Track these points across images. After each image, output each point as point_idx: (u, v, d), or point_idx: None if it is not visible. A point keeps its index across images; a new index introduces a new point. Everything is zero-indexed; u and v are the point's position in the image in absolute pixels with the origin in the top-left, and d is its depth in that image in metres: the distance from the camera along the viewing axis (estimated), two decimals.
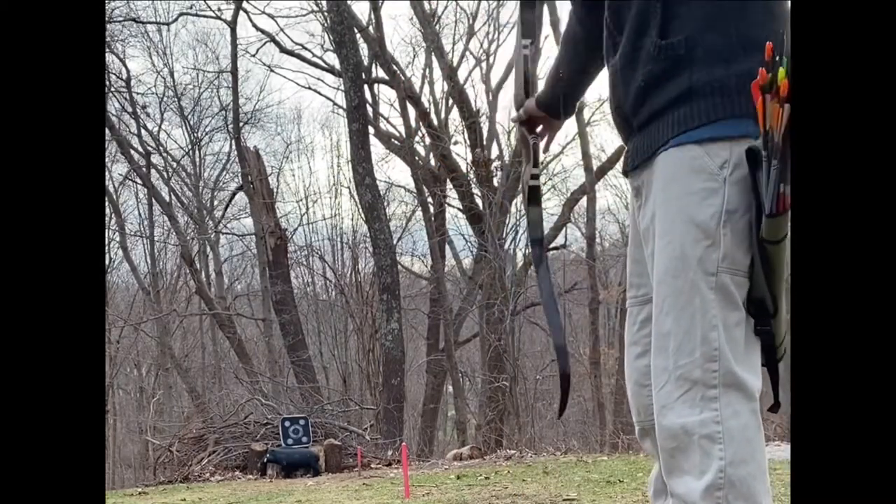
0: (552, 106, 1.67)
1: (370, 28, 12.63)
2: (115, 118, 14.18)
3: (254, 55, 14.64)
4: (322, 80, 15.15)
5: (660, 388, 1.38)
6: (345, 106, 11.42)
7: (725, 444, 1.31)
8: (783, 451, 5.39)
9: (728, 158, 1.33)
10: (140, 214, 16.60)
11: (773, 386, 1.45)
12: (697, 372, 1.33)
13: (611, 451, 7.76)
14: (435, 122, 13.36)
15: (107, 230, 14.22)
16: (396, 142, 14.11)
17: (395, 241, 12.40)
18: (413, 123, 13.67)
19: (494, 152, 13.83)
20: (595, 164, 12.15)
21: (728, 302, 1.34)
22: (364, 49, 12.53)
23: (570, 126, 10.34)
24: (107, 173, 14.31)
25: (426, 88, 13.97)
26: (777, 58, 1.23)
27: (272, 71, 16.97)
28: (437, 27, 13.12)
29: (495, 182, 12.88)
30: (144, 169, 14.52)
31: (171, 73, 16.00)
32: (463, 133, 13.30)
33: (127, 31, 14.62)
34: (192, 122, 16.48)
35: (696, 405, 1.33)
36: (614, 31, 1.47)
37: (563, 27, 1.64)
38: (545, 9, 1.67)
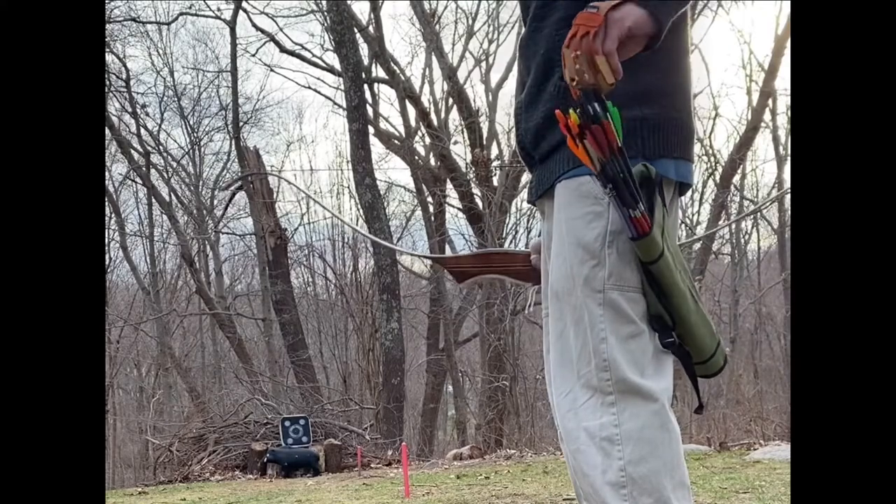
0: None
1: (370, 28, 12.62)
2: (115, 118, 14.18)
3: (254, 55, 14.64)
4: (322, 80, 15.15)
5: (565, 394, 1.48)
6: (345, 105, 11.42)
7: (623, 445, 1.41)
8: (783, 451, 5.39)
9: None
10: (140, 214, 16.60)
11: (695, 390, 1.55)
12: (595, 380, 1.43)
13: None
14: (435, 121, 13.35)
15: (107, 230, 14.22)
16: (396, 141, 14.10)
17: (395, 241, 12.39)
18: (413, 123, 13.67)
19: (494, 152, 13.83)
20: None
21: (618, 316, 1.43)
22: (364, 49, 12.53)
23: None
24: (107, 173, 14.31)
25: (426, 88, 13.98)
26: (577, 101, 1.33)
27: (272, 70, 16.98)
28: (437, 27, 13.11)
29: (495, 182, 12.87)
30: (144, 169, 14.51)
31: (172, 73, 16.01)
32: (462, 133, 13.30)
33: (127, 31, 14.63)
34: (191, 122, 16.49)
35: (596, 410, 1.43)
36: (524, 73, 1.58)
37: None
38: None
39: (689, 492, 1.45)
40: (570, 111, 1.32)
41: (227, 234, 16.39)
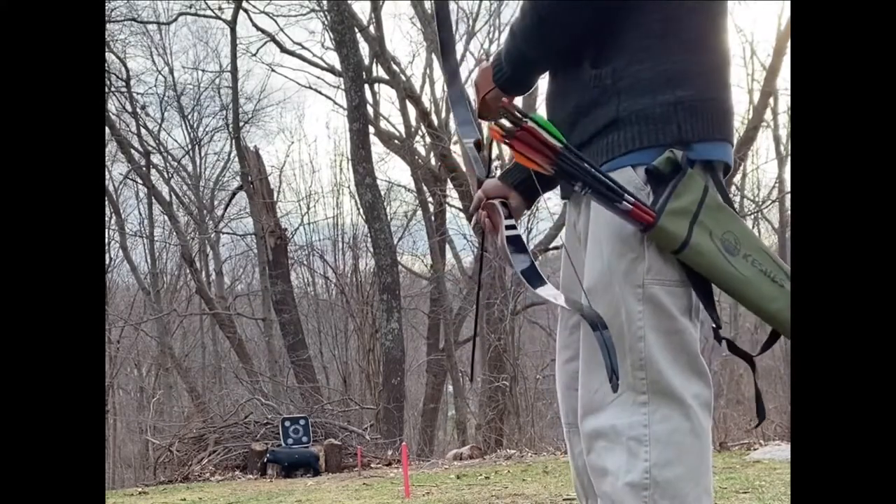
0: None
1: (371, 28, 12.63)
2: (116, 118, 14.18)
3: (254, 55, 14.65)
4: (323, 80, 15.17)
5: (595, 392, 1.43)
6: (345, 105, 11.43)
7: (651, 447, 1.36)
8: (783, 451, 5.39)
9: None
10: (140, 214, 16.62)
11: (756, 401, 1.50)
12: (629, 378, 1.38)
13: None
14: (435, 121, 13.35)
15: (107, 230, 14.22)
16: (397, 141, 14.11)
17: (395, 241, 12.40)
18: (413, 123, 13.67)
19: (494, 152, 13.81)
20: None
21: (659, 312, 1.38)
22: (365, 48, 12.54)
23: None
24: (107, 173, 14.31)
25: (427, 88, 13.99)
26: (503, 112, 1.34)
27: (273, 70, 17.02)
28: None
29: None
30: (144, 168, 14.52)
31: (172, 73, 16.02)
32: None
33: (127, 31, 14.64)
34: (192, 122, 16.50)
35: (626, 409, 1.38)
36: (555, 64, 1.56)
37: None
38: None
39: (712, 501, 1.41)
40: (494, 125, 1.33)
41: (228, 234, 16.41)
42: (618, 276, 1.39)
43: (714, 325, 1.42)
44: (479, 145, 1.75)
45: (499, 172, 1.73)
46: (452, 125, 13.80)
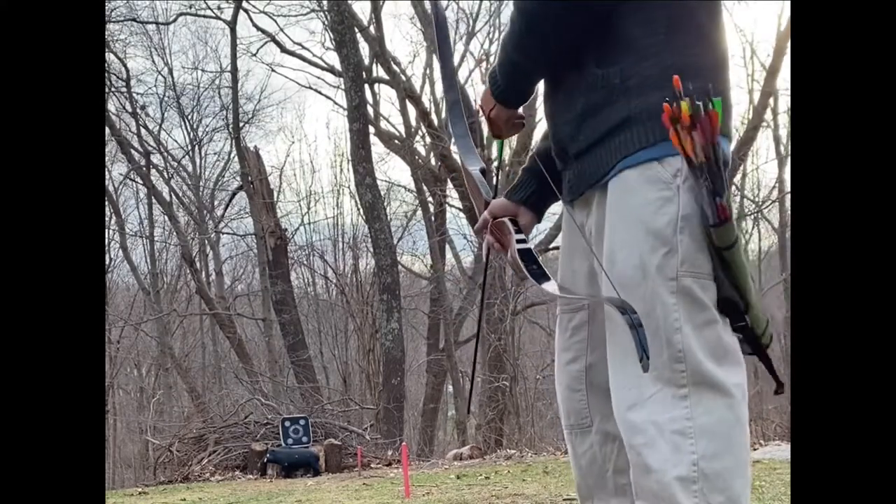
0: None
1: (371, 28, 12.63)
2: (116, 117, 14.18)
3: (254, 55, 14.65)
4: (323, 80, 15.17)
5: (629, 388, 1.41)
6: (345, 105, 11.43)
7: (696, 439, 1.34)
8: (783, 451, 5.39)
9: (680, 168, 1.39)
10: (140, 214, 16.62)
11: (769, 371, 1.51)
12: (667, 373, 1.37)
13: None
14: (435, 121, 13.35)
15: (107, 230, 14.22)
16: (397, 141, 14.11)
17: (395, 241, 12.40)
18: (413, 123, 13.67)
19: (494, 152, 13.82)
20: None
21: (693, 304, 1.38)
22: (365, 48, 12.54)
23: None
24: (107, 173, 14.31)
25: (427, 88, 13.98)
26: (681, 91, 1.30)
27: (273, 70, 17.02)
28: None
29: (495, 181, 12.84)
30: (144, 169, 14.52)
31: (171, 73, 16.03)
32: None
33: (127, 31, 14.65)
34: (192, 122, 16.50)
35: (666, 403, 1.36)
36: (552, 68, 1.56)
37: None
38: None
39: (749, 492, 1.40)
40: (682, 102, 1.28)
41: (228, 234, 16.41)
42: (651, 270, 1.38)
43: (738, 310, 1.43)
44: (484, 173, 1.78)
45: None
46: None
